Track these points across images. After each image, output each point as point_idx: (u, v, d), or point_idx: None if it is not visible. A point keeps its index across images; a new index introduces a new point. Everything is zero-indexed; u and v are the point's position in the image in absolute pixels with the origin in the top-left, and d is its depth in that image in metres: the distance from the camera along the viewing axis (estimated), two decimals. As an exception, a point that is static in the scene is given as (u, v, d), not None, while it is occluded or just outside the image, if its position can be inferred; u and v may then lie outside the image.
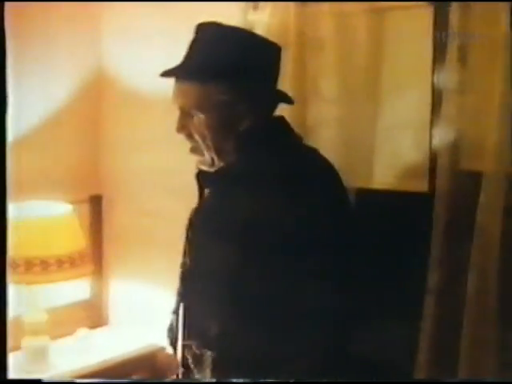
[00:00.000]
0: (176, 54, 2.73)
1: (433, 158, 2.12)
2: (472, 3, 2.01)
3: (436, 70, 2.17)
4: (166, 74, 1.64)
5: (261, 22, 2.42)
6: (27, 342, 2.48)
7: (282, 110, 1.68)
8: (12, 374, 2.36)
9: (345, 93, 2.28)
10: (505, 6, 1.93)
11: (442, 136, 2.06)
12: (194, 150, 1.64)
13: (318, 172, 1.59)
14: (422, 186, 2.20)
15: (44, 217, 2.46)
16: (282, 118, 1.66)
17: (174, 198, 2.74)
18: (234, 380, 1.51)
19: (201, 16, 2.65)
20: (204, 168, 1.65)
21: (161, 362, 2.68)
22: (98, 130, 2.94)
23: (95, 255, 2.80)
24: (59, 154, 2.78)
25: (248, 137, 1.58)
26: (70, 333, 2.75)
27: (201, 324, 1.60)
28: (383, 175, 2.32)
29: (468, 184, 2.01)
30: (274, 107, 1.66)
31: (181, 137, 3.02)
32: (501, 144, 1.91)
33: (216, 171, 1.63)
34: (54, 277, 2.42)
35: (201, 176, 1.68)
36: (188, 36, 2.68)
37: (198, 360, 1.60)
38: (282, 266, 1.46)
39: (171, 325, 1.74)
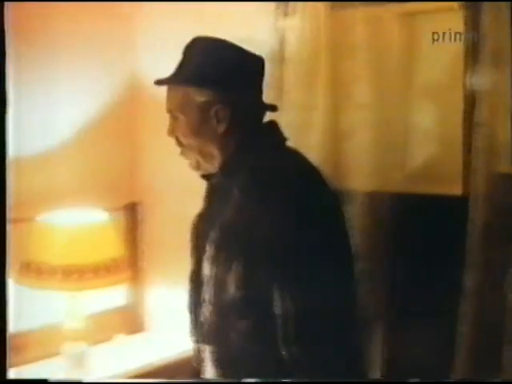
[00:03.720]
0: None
1: (466, 160, 2.11)
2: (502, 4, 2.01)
3: (468, 72, 2.16)
4: (159, 82, 1.73)
5: (292, 28, 2.43)
6: (66, 348, 2.51)
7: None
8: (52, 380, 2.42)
9: (377, 97, 2.28)
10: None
11: (475, 138, 2.05)
12: (183, 153, 1.73)
13: (299, 174, 1.62)
14: (456, 189, 2.19)
15: (81, 225, 2.50)
16: (271, 123, 1.72)
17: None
18: (235, 380, 1.52)
19: (233, 24, 2.69)
20: (200, 172, 1.74)
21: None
22: (133, 137, 2.97)
23: (132, 262, 2.82)
24: (95, 163, 2.82)
25: (226, 139, 1.65)
26: (107, 339, 2.79)
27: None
28: (417, 179, 2.32)
29: (504, 186, 1.99)
30: (257, 114, 1.72)
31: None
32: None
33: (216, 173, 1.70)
34: (90, 284, 2.45)
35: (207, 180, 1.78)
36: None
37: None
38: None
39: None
